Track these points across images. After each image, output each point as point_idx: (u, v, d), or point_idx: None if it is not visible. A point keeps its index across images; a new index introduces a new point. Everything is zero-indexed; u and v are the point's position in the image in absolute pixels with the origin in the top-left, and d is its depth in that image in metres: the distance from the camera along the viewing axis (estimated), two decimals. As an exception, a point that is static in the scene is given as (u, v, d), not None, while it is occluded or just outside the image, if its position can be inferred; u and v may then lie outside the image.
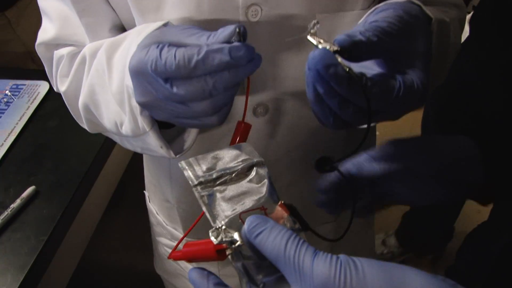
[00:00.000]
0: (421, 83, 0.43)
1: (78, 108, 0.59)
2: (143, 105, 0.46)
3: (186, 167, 0.43)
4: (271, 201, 0.42)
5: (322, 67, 0.39)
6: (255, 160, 0.44)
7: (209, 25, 0.51)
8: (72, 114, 0.64)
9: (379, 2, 0.57)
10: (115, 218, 1.13)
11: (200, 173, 0.42)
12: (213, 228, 0.39)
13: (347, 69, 0.39)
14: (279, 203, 0.42)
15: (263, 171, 0.43)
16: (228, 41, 0.41)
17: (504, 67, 1.07)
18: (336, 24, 0.55)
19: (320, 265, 0.31)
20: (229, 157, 0.44)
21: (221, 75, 0.41)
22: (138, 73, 0.43)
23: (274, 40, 0.54)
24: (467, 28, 1.17)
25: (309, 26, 0.42)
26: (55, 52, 0.61)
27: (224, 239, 0.38)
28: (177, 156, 0.52)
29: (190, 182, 0.42)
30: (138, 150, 0.56)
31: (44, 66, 0.65)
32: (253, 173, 0.43)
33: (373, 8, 0.50)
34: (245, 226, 0.36)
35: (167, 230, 0.78)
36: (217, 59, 0.40)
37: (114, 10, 0.57)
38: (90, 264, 1.04)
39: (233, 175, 0.43)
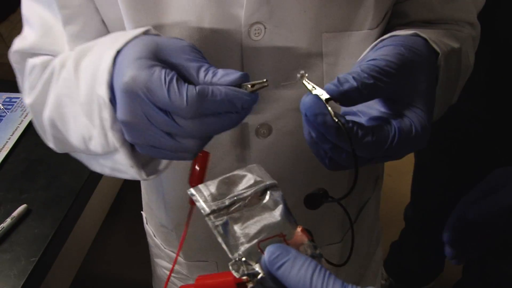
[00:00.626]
0: (421, 126, 0.42)
1: (43, 123, 0.52)
2: (124, 124, 0.41)
3: (196, 194, 0.41)
4: (289, 226, 0.40)
5: (311, 115, 0.39)
6: (267, 182, 0.42)
7: (207, 34, 0.49)
8: (37, 130, 0.57)
9: (387, 22, 0.55)
10: (111, 234, 1.10)
11: (211, 200, 0.40)
12: (233, 261, 0.37)
13: (336, 119, 0.39)
14: (298, 228, 0.40)
15: (277, 195, 0.41)
16: (233, 84, 0.40)
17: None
18: (343, 44, 0.52)
19: None
20: (240, 181, 0.42)
21: (226, 118, 0.40)
22: (131, 93, 0.39)
23: (277, 59, 0.51)
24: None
25: (297, 76, 0.42)
26: (29, 60, 0.54)
27: (246, 272, 0.36)
28: (150, 177, 0.48)
29: (202, 211, 0.40)
30: (107, 172, 0.51)
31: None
32: (267, 197, 0.41)
33: (373, 44, 0.48)
34: (266, 257, 0.34)
35: (165, 253, 0.75)
36: (228, 106, 0.39)
37: (99, 13, 0.52)
38: (87, 278, 1.01)
39: (247, 200, 0.40)
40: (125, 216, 1.15)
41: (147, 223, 0.79)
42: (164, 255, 0.75)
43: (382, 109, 0.44)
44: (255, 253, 0.37)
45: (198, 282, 0.39)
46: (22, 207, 0.85)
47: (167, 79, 0.38)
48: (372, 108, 0.45)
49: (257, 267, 0.36)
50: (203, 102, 0.38)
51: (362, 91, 0.40)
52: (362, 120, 0.45)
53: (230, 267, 0.37)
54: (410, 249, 1.59)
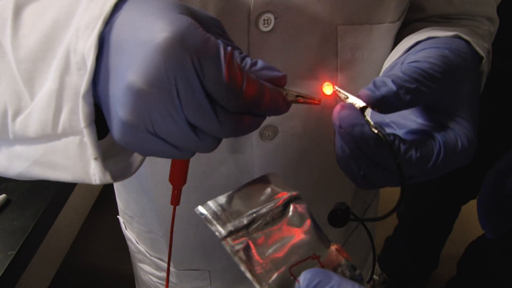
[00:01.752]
0: (468, 140, 0.37)
1: None
2: (137, 93, 0.29)
3: (206, 213, 0.34)
4: (322, 245, 0.34)
5: (348, 126, 0.34)
6: (289, 194, 0.36)
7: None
8: None
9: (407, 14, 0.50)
10: (97, 226, 1.06)
11: (226, 220, 0.34)
12: None
13: (376, 131, 0.34)
14: (333, 246, 0.34)
15: (302, 207, 0.36)
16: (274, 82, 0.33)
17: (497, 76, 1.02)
18: (362, 38, 0.47)
19: None
20: (256, 194, 0.36)
21: (257, 120, 0.33)
22: (172, 55, 0.28)
23: (287, 53, 0.46)
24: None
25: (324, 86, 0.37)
26: None
27: None
28: (115, 179, 0.35)
29: (217, 234, 0.33)
30: (18, 168, 0.36)
31: None
32: (291, 211, 0.35)
33: (411, 43, 0.43)
34: (302, 285, 0.29)
35: (150, 260, 0.70)
36: (270, 107, 0.32)
37: None
38: (70, 271, 0.97)
39: (268, 216, 0.34)
40: (112, 207, 1.11)
41: (126, 229, 0.74)
42: (150, 262, 0.70)
43: (420, 120, 0.39)
44: (287, 282, 0.31)
45: None
46: (1, 197, 0.82)
47: (228, 51, 0.29)
48: (408, 119, 0.39)
49: None
50: (261, 94, 0.31)
51: (402, 96, 0.35)
52: (399, 133, 0.40)
53: None
54: (404, 245, 1.57)
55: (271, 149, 0.52)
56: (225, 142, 0.50)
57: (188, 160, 0.39)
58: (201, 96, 0.29)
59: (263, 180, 0.37)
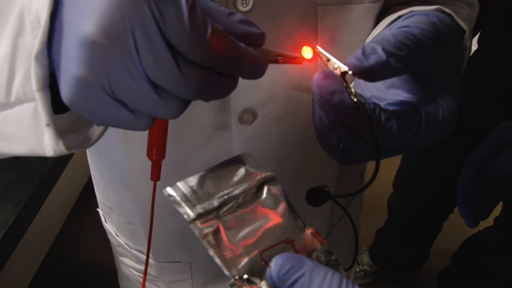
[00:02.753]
0: (449, 112, 0.36)
1: None
2: (92, 47, 0.26)
3: (174, 195, 0.32)
4: (296, 228, 0.32)
5: (327, 93, 0.33)
6: (263, 175, 0.34)
7: None
8: None
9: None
10: (82, 219, 1.03)
11: (195, 201, 0.32)
12: (231, 280, 0.30)
13: (355, 99, 0.32)
14: (308, 230, 0.33)
15: (277, 190, 0.34)
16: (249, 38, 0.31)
17: None
18: (342, 18, 0.46)
19: None
20: (229, 175, 0.34)
21: (228, 81, 0.30)
22: (130, 3, 0.26)
23: (266, 34, 0.44)
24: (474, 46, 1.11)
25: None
26: None
27: None
28: (69, 150, 0.32)
29: (185, 217, 0.31)
30: None
31: None
32: (265, 193, 0.33)
33: (394, 17, 0.42)
34: (273, 272, 0.27)
35: (131, 253, 0.68)
36: (238, 64, 0.29)
37: None
38: (55, 264, 0.94)
39: (240, 199, 0.32)
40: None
41: (106, 222, 0.72)
42: (130, 255, 0.69)
43: (402, 92, 0.38)
44: (258, 267, 0.30)
45: None
46: (-21, 190, 0.78)
47: (189, 0, 0.27)
48: (389, 93, 0.38)
49: (263, 285, 0.29)
50: (228, 45, 0.28)
51: (392, 65, 0.33)
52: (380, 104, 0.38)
53: None
54: (395, 239, 1.57)
55: (251, 133, 0.50)
56: (204, 126, 0.49)
57: (166, 131, 0.37)
58: (160, 46, 0.26)
59: (237, 161, 0.35)
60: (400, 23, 0.37)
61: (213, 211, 0.31)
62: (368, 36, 0.48)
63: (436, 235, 1.53)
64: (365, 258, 1.68)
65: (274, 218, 0.32)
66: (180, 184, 0.32)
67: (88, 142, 0.34)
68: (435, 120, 0.35)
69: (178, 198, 0.32)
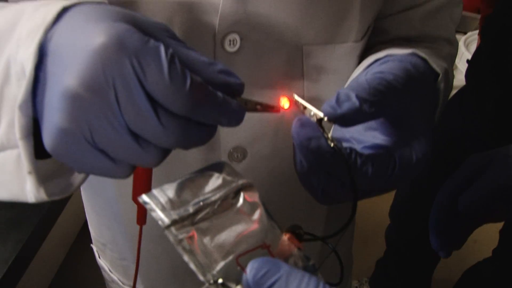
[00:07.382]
0: (422, 154, 0.38)
1: None
2: (74, 99, 0.28)
3: (150, 202, 0.32)
4: (273, 233, 0.33)
5: (304, 139, 0.34)
6: (240, 182, 0.34)
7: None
8: None
9: (370, 34, 0.52)
10: (82, 256, 1.03)
11: (170, 208, 0.32)
12: (206, 285, 0.30)
13: (332, 144, 0.34)
14: (285, 235, 0.33)
15: (253, 196, 0.34)
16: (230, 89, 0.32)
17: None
18: (326, 58, 0.48)
19: None
20: (205, 183, 0.34)
21: (207, 130, 0.31)
22: (109, 59, 0.27)
23: (253, 74, 0.46)
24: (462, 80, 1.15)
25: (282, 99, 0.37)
26: None
27: None
28: (51, 197, 0.33)
29: (160, 222, 0.31)
30: None
31: None
32: (241, 199, 0.34)
33: (371, 61, 0.44)
34: (249, 276, 0.27)
35: None
36: (220, 114, 0.30)
37: None
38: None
39: (216, 205, 0.33)
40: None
41: (99, 257, 0.72)
42: None
43: (377, 134, 0.39)
44: (234, 272, 0.30)
45: None
46: (-19, 229, 0.79)
47: (169, 53, 0.28)
48: (366, 135, 0.40)
49: None
50: (207, 96, 0.29)
51: (364, 111, 0.35)
52: (357, 147, 0.40)
53: None
54: (394, 270, 1.56)
55: (241, 171, 0.51)
56: (193, 164, 0.49)
57: (151, 175, 0.38)
58: (141, 98, 0.27)
59: (214, 169, 0.35)
60: (375, 68, 0.40)
61: (188, 217, 0.32)
62: (351, 74, 0.50)
63: (435, 265, 1.52)
64: None
65: (250, 224, 0.33)
66: (155, 192, 0.33)
67: (70, 189, 0.35)
68: (409, 163, 0.37)
69: (153, 205, 0.32)
